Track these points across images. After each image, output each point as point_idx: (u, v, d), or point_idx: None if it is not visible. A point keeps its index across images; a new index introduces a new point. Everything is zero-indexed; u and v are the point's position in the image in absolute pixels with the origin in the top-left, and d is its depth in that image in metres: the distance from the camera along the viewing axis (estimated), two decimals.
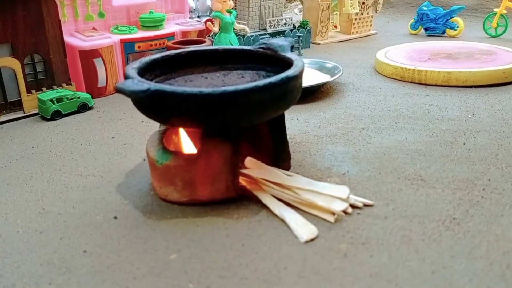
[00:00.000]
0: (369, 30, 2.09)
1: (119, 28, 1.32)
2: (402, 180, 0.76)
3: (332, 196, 0.67)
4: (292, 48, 0.79)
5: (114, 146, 0.96)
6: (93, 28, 1.32)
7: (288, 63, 0.74)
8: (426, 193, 0.71)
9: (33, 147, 0.98)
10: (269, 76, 0.80)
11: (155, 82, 0.77)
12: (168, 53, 0.80)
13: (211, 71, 0.83)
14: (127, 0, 1.33)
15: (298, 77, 0.67)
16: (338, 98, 1.22)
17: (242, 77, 0.81)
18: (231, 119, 0.64)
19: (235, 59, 0.83)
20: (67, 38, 1.24)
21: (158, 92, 0.60)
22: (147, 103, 0.63)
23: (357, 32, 2.03)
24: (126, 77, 0.66)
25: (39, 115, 1.16)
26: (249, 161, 0.76)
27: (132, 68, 0.69)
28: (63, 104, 1.14)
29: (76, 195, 0.76)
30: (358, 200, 0.68)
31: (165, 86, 0.60)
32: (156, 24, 1.36)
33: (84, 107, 1.18)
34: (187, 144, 0.73)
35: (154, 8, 1.42)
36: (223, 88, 0.60)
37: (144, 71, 0.73)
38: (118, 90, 0.59)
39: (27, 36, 1.12)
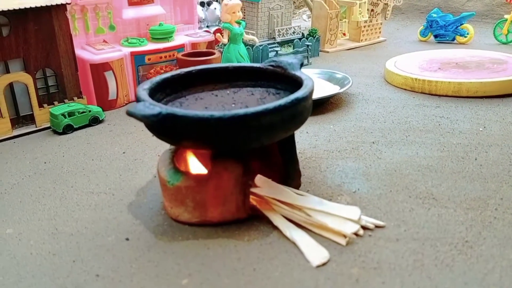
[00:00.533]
0: (378, 37, 2.08)
1: (129, 41, 1.33)
2: (413, 199, 0.75)
3: (343, 217, 0.67)
4: (302, 66, 0.79)
5: (125, 162, 0.97)
6: (104, 41, 1.33)
7: (297, 82, 0.74)
8: (438, 213, 0.70)
9: (45, 162, 0.99)
10: (278, 94, 0.80)
11: (166, 101, 0.78)
12: (178, 71, 0.80)
13: (221, 88, 0.84)
14: (137, 13, 1.34)
15: (307, 98, 0.67)
16: (347, 110, 1.21)
17: (252, 94, 0.81)
18: (242, 141, 0.64)
19: (245, 76, 0.83)
20: (78, 51, 1.25)
21: (170, 116, 0.60)
22: (159, 127, 0.63)
23: (366, 39, 2.02)
24: (138, 99, 0.67)
25: (51, 129, 1.17)
26: (259, 179, 0.76)
27: (143, 89, 0.70)
28: (75, 118, 1.15)
29: (88, 214, 0.77)
30: (369, 221, 0.68)
31: (177, 110, 0.61)
32: (166, 36, 1.37)
33: (95, 121, 1.19)
34: (197, 164, 0.73)
35: (163, 20, 1.42)
36: (233, 112, 0.60)
37: (155, 91, 0.74)
38: (130, 114, 0.60)
39: (38, 51, 1.13)
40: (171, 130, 0.62)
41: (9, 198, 0.85)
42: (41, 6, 1.09)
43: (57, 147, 1.07)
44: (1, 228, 0.75)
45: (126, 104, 1.33)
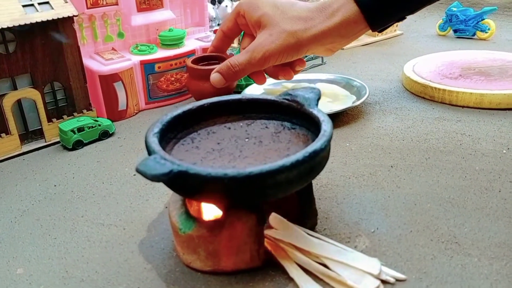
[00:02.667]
0: (395, 30, 2.01)
1: (139, 48, 1.29)
2: (435, 243, 0.72)
3: (363, 270, 0.64)
4: (318, 101, 0.75)
5: (136, 187, 0.95)
6: (113, 49, 1.29)
7: (314, 121, 0.71)
8: (461, 263, 0.67)
9: (55, 185, 0.97)
10: (294, 129, 0.77)
11: (178, 138, 0.75)
12: (190, 106, 0.77)
13: (234, 120, 0.80)
14: (146, 19, 1.30)
15: (326, 147, 0.63)
16: (364, 123, 1.17)
17: (266, 127, 0.78)
18: (256, 197, 0.61)
19: (259, 108, 0.80)
20: (87, 61, 1.21)
21: (181, 174, 0.57)
22: (170, 184, 0.60)
23: (382, 33, 1.95)
24: (148, 149, 0.64)
25: (61, 144, 1.15)
26: (273, 218, 0.73)
27: (154, 134, 0.67)
28: (84, 133, 1.13)
29: (99, 254, 0.75)
30: (389, 274, 0.65)
31: (189, 167, 0.58)
32: (176, 42, 1.33)
33: (105, 134, 1.17)
34: (210, 210, 0.71)
35: (174, 24, 1.38)
36: (248, 170, 0.57)
37: (165, 131, 0.71)
38: (139, 173, 0.57)
39: (46, 65, 1.10)
40: (183, 186, 0.60)
41: (19, 229, 0.84)
42: (48, 20, 1.05)
43: (67, 166, 1.05)
44: (12, 267, 0.74)
45: (136, 113, 1.30)
